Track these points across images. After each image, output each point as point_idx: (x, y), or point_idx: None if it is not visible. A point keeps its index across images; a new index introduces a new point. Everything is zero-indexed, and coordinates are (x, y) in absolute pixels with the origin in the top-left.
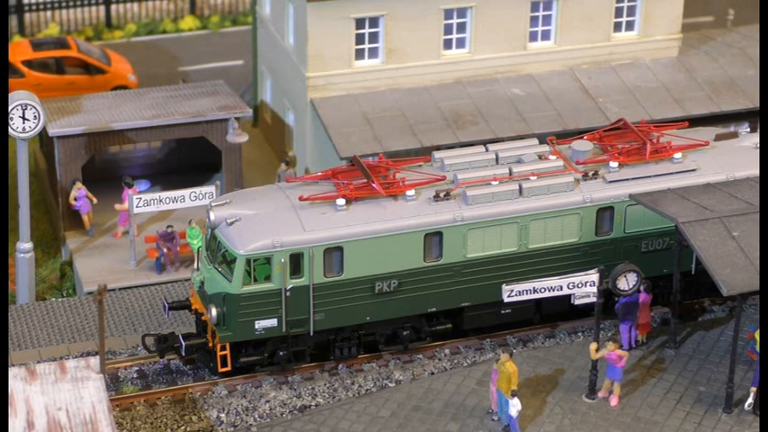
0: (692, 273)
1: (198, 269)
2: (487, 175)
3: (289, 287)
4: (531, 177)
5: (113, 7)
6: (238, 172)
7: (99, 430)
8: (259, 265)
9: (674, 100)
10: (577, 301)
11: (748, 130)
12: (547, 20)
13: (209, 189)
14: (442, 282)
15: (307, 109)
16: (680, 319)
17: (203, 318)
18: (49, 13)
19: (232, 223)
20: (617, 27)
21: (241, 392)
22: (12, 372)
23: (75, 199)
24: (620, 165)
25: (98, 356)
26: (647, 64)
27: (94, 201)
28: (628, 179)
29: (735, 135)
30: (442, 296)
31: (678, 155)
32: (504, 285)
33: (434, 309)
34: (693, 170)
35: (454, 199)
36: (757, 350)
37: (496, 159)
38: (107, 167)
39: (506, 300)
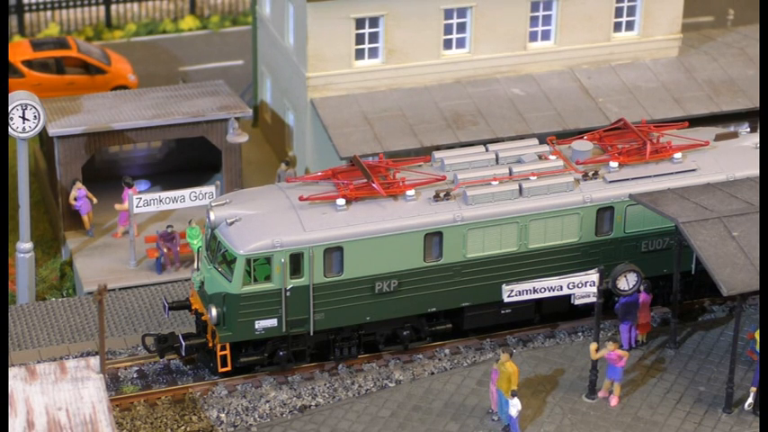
0: (692, 273)
1: (198, 269)
2: (487, 175)
3: (289, 287)
4: (531, 177)
5: (113, 7)
6: (238, 172)
7: (99, 430)
8: (259, 265)
9: (674, 100)
10: (577, 301)
11: (748, 130)
12: (547, 20)
13: (209, 189)
14: (442, 282)
15: (307, 109)
16: (680, 319)
17: (203, 318)
18: (49, 13)
19: (232, 223)
20: (617, 27)
21: (241, 392)
22: (12, 372)
23: (76, 199)
24: (620, 165)
25: (98, 356)
26: (647, 64)
27: (94, 201)
28: (628, 179)
29: (735, 135)
30: (442, 296)
31: (678, 155)
32: (504, 285)
33: (434, 309)
34: (693, 170)
35: (454, 199)
36: (757, 350)
37: (496, 159)
38: (107, 167)
39: (506, 300)
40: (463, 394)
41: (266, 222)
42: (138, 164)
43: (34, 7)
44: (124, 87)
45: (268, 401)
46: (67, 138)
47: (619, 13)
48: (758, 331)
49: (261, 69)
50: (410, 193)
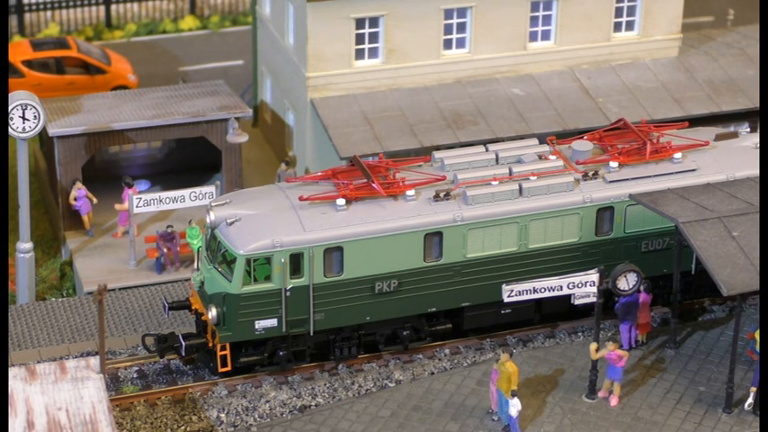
0: (692, 273)
1: (198, 269)
2: (487, 175)
3: (289, 287)
4: (531, 177)
5: (113, 7)
6: (238, 172)
7: (99, 430)
8: (259, 265)
9: (674, 100)
10: (577, 301)
11: (748, 130)
12: (547, 20)
13: (209, 189)
14: (442, 282)
15: (307, 109)
16: (680, 319)
17: (203, 318)
18: (49, 13)
19: (232, 223)
20: (617, 27)
21: (241, 392)
22: (12, 372)
23: (76, 199)
24: (620, 165)
25: (98, 356)
26: (647, 64)
27: (94, 201)
28: (628, 179)
29: (735, 135)
30: (442, 296)
31: (678, 155)
32: (504, 285)
33: (434, 309)
34: (693, 170)
35: (454, 199)
36: (757, 350)
37: (496, 159)
38: (107, 167)
39: (506, 300)
40: (463, 394)
41: (266, 222)
42: (138, 164)
43: (34, 7)
44: (124, 87)
45: (268, 401)
46: (67, 138)
47: (619, 13)
48: (758, 331)
49: (261, 69)
50: (410, 193)
